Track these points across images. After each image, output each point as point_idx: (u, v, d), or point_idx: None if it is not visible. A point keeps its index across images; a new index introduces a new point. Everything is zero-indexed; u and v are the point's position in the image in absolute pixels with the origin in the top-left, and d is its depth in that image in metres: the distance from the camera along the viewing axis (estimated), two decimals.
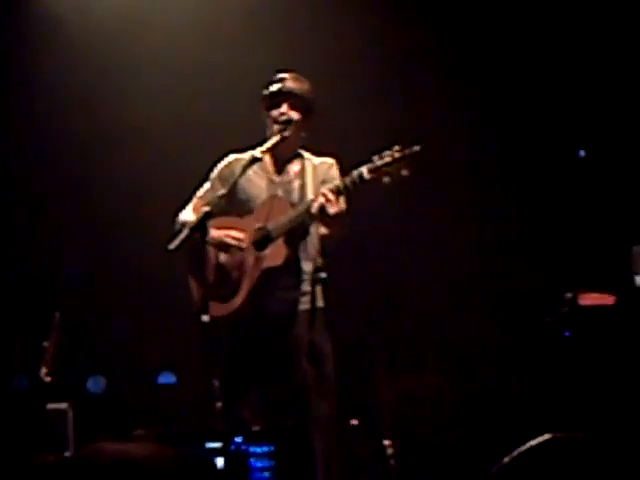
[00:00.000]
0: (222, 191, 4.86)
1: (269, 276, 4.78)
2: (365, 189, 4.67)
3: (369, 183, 4.60)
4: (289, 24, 7.20)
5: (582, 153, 7.72)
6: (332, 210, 4.62)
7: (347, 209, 4.80)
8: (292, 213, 4.79)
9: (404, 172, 4.58)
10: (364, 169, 4.60)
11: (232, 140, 5.24)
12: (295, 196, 4.95)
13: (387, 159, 4.58)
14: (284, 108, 4.95)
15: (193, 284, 4.92)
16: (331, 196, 4.61)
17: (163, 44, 7.22)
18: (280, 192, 4.97)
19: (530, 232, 7.42)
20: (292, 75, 5.07)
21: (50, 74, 7.26)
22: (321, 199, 4.63)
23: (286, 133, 4.92)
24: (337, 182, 4.72)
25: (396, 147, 4.60)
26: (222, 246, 4.90)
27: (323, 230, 4.83)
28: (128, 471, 1.45)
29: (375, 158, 4.61)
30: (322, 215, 4.65)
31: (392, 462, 6.20)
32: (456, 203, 7.50)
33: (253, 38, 7.13)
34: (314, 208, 4.64)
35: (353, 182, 4.61)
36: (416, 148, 4.61)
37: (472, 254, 7.44)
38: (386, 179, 4.59)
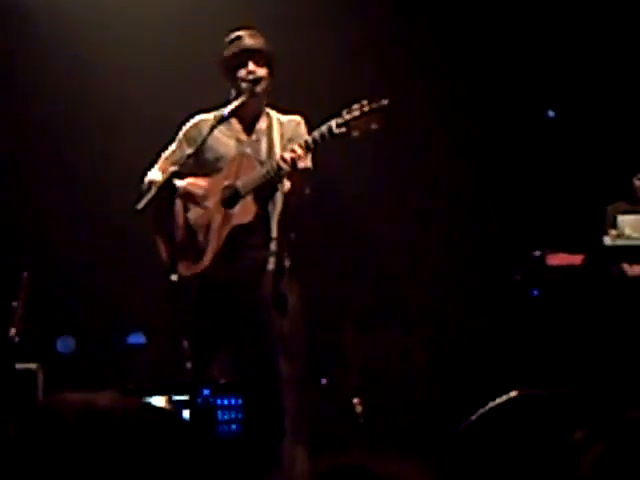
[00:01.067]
0: (190, 150, 4.84)
1: (238, 234, 4.77)
2: (334, 145, 4.69)
3: (338, 137, 4.60)
4: None
5: (551, 113, 7.75)
6: (301, 164, 4.63)
7: (312, 166, 4.83)
8: (261, 169, 4.77)
9: (373, 126, 4.59)
10: (333, 123, 4.59)
11: (201, 101, 5.20)
12: (263, 154, 4.93)
13: (356, 113, 4.58)
14: (251, 66, 4.91)
15: (161, 244, 4.91)
16: (300, 151, 4.61)
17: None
18: (248, 150, 4.96)
19: (499, 191, 7.45)
20: (249, 32, 5.02)
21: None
22: (290, 154, 4.62)
23: (257, 89, 4.90)
24: (306, 137, 4.71)
25: (364, 101, 4.60)
26: (189, 198, 4.88)
27: (287, 186, 4.82)
28: (92, 421, 1.44)
29: (344, 112, 4.60)
30: (291, 169, 4.65)
31: (361, 420, 6.24)
32: (424, 164, 7.51)
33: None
34: (283, 162, 4.63)
35: (322, 136, 4.61)
36: (384, 102, 4.61)
37: (441, 213, 7.47)
38: (355, 133, 4.59)
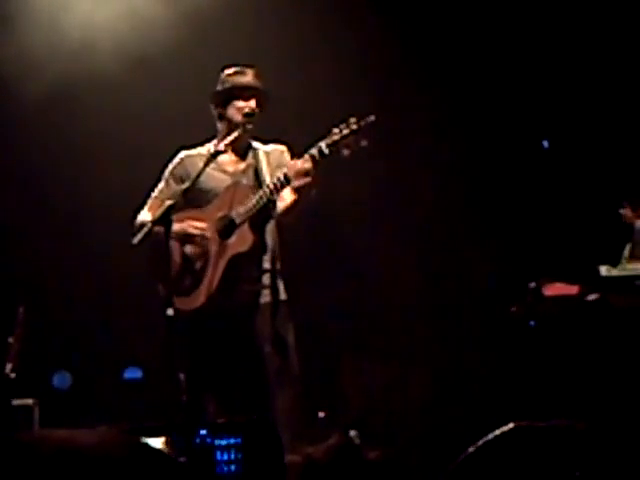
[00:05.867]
0: (185, 185, 4.83)
1: (236, 264, 4.75)
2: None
3: (329, 157, 4.61)
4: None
5: (546, 143, 7.76)
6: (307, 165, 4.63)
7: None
8: (253, 197, 4.76)
9: (363, 143, 4.60)
10: (323, 144, 4.60)
11: (184, 136, 5.20)
12: (252, 184, 4.93)
13: (345, 131, 4.60)
14: (253, 103, 4.93)
15: (157, 278, 4.89)
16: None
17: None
18: (239, 181, 4.96)
19: (496, 221, 7.45)
20: (256, 71, 5.05)
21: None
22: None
23: (249, 126, 4.91)
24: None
25: (352, 119, 4.62)
26: (186, 237, 4.87)
27: (280, 207, 4.81)
28: (71, 460, 1.39)
29: (332, 132, 4.61)
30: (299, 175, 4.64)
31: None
32: (420, 193, 7.51)
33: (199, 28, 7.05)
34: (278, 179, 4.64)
35: (312, 158, 4.61)
36: (372, 118, 4.63)
37: (438, 244, 7.47)
38: (346, 152, 4.60)
